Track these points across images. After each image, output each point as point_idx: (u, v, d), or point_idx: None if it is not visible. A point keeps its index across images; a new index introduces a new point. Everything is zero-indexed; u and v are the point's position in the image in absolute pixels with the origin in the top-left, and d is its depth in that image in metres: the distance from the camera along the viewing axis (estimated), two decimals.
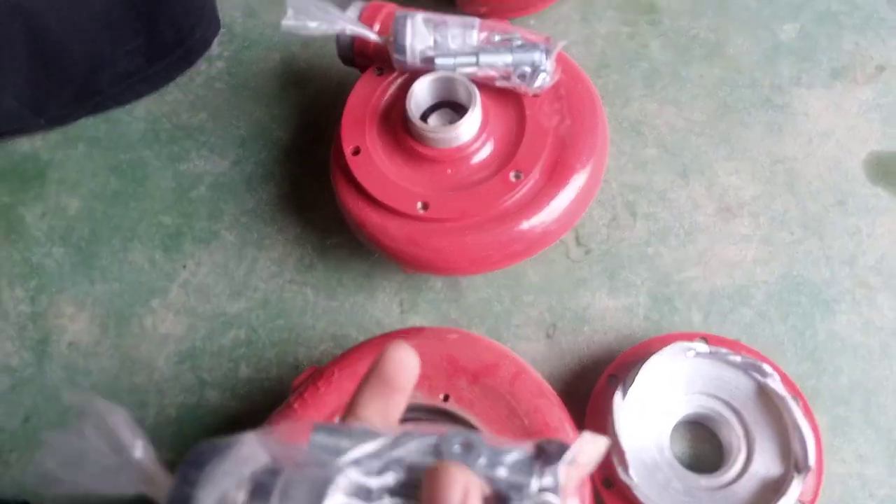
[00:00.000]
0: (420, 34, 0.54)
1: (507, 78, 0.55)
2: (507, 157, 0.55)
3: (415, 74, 0.55)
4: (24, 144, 0.70)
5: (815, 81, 0.65)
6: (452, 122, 0.54)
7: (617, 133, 0.64)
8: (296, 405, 0.46)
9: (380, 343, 0.50)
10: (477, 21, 0.55)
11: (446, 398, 0.47)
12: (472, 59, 0.54)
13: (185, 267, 0.63)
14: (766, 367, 0.50)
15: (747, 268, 0.58)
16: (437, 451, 0.22)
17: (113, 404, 0.23)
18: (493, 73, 0.55)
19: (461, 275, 0.58)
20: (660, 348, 0.51)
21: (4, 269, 0.64)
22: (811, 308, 0.56)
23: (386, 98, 0.58)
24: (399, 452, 0.23)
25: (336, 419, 0.28)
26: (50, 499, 0.52)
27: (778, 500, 0.46)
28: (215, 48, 0.73)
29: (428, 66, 0.55)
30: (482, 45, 0.54)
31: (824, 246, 0.58)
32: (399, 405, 0.27)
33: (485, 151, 0.55)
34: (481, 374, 0.48)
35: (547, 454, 0.22)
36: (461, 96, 0.56)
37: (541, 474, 0.22)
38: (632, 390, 0.50)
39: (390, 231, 0.54)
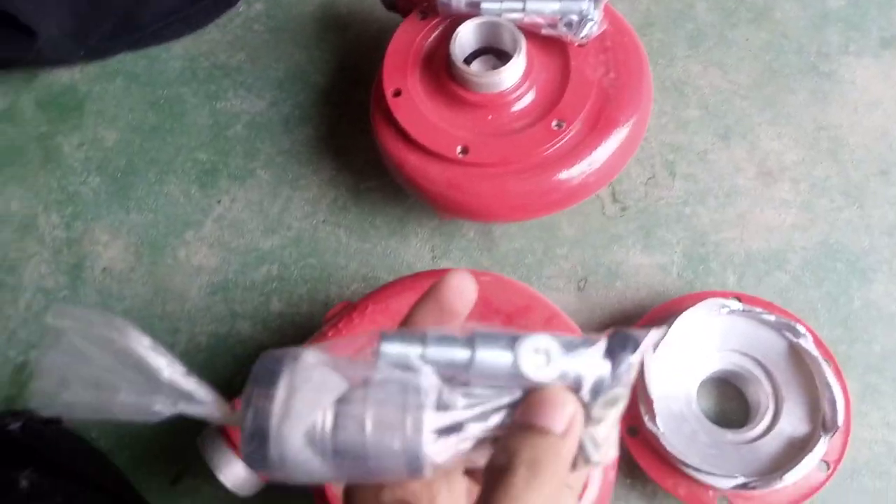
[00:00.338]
0: None
1: (553, 26, 0.54)
2: (549, 106, 0.54)
3: (459, 19, 0.55)
4: (64, 76, 0.70)
5: (864, 50, 0.64)
6: (496, 68, 0.53)
7: (659, 92, 0.63)
8: (330, 334, 0.47)
9: (415, 281, 0.50)
10: None
11: None
12: (519, 5, 0.54)
13: (219, 202, 0.63)
14: (800, 328, 0.50)
15: (785, 232, 0.57)
16: (513, 363, 0.22)
17: (115, 319, 0.21)
18: (539, 20, 0.54)
19: (498, 221, 0.58)
20: (693, 304, 0.51)
21: (41, 196, 0.65)
22: (848, 276, 0.56)
23: (429, 42, 0.58)
24: (476, 361, 0.22)
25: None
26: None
27: (803, 457, 0.46)
28: None
29: (473, 10, 0.55)
30: None
31: (864, 215, 0.58)
32: None
33: (527, 99, 0.55)
34: (515, 316, 0.48)
35: (618, 351, 0.22)
36: (506, 42, 0.55)
37: (614, 372, 0.22)
38: (663, 343, 0.50)
39: (430, 174, 0.54)
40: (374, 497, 0.23)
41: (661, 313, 0.53)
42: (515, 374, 0.22)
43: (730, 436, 0.49)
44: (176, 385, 0.21)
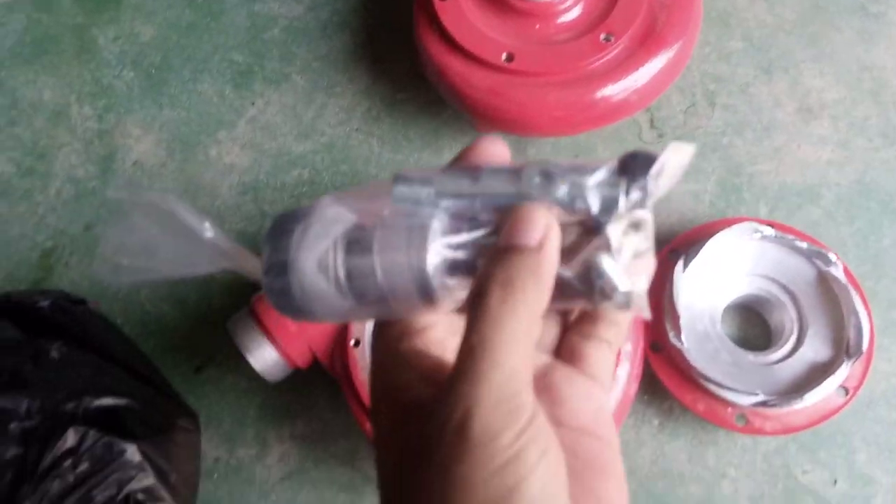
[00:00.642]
0: None
1: None
2: (597, 20, 0.53)
3: None
4: None
5: None
6: None
7: (704, 22, 0.61)
8: None
9: None
10: None
11: None
12: None
13: (253, 104, 0.63)
14: (831, 256, 0.50)
15: (821, 168, 0.57)
16: (517, 186, 0.21)
17: (165, 193, 0.23)
18: None
19: (537, 134, 0.58)
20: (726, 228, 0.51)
21: (74, 87, 0.64)
22: (880, 214, 0.56)
23: None
24: (481, 188, 0.22)
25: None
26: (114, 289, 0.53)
27: (824, 380, 0.47)
28: None
29: None
30: None
31: None
32: None
33: (574, 12, 0.54)
34: None
35: (632, 168, 0.20)
36: None
37: (628, 190, 0.20)
38: (693, 263, 0.50)
39: (472, 80, 0.53)
40: (394, 346, 0.23)
41: (692, 236, 0.53)
42: (520, 198, 0.21)
43: (751, 357, 0.50)
44: (217, 244, 0.23)
